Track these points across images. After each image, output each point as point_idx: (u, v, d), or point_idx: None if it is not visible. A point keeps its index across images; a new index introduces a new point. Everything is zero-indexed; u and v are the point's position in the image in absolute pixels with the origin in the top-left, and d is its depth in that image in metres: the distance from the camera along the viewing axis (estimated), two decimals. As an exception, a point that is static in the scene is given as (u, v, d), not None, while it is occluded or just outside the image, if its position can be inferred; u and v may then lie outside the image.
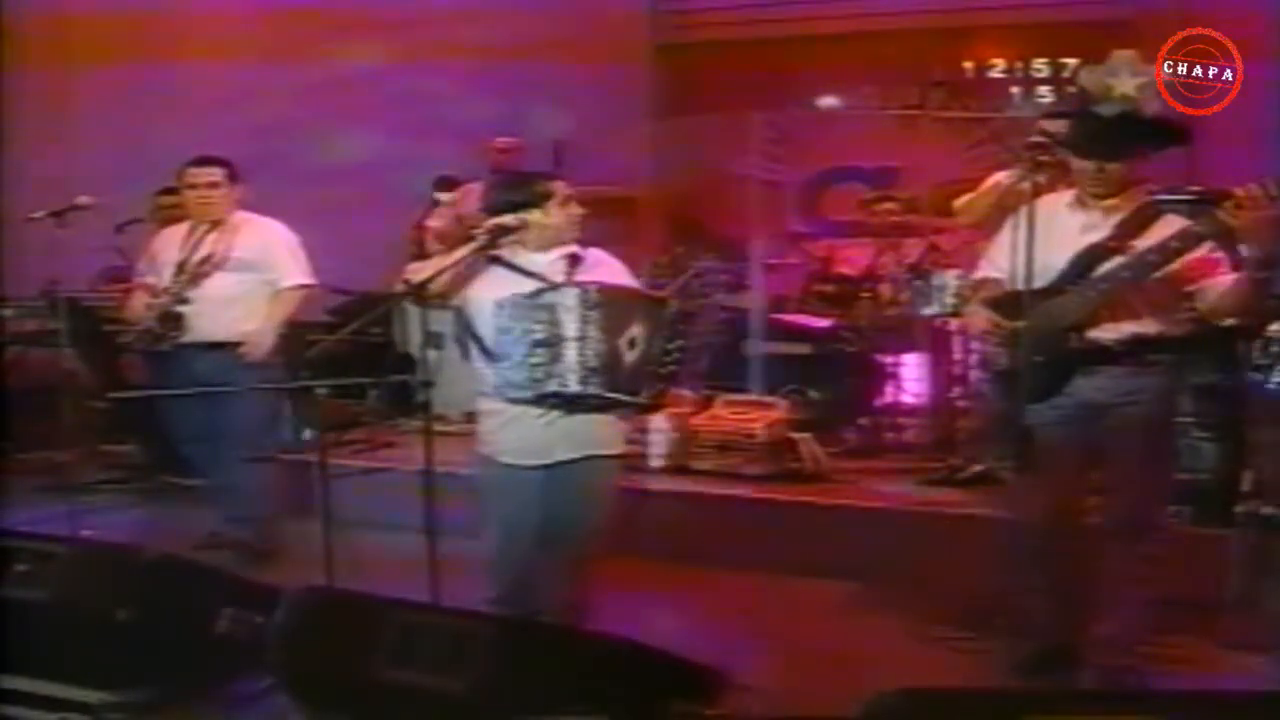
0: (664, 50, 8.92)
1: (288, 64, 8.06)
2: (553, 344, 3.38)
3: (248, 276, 5.00)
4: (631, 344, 3.42)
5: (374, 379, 6.29)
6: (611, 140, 7.92)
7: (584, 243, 3.68)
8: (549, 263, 3.58)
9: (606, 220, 3.84)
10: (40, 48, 7.51)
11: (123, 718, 3.29)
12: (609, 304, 3.41)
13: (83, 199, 4.95)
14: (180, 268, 4.98)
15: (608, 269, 3.65)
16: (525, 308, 3.41)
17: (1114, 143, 3.56)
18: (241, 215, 5.08)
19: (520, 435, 3.53)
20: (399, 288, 3.64)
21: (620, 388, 3.43)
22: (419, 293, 3.53)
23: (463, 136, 7.63)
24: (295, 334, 5.13)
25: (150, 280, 5.09)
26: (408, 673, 2.97)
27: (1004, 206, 4.04)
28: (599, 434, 3.55)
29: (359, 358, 6.16)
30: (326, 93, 8.13)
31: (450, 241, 6.28)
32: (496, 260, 3.60)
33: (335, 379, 4.42)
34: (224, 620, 3.43)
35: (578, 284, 3.46)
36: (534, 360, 3.39)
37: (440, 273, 3.52)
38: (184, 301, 4.94)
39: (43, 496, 5.20)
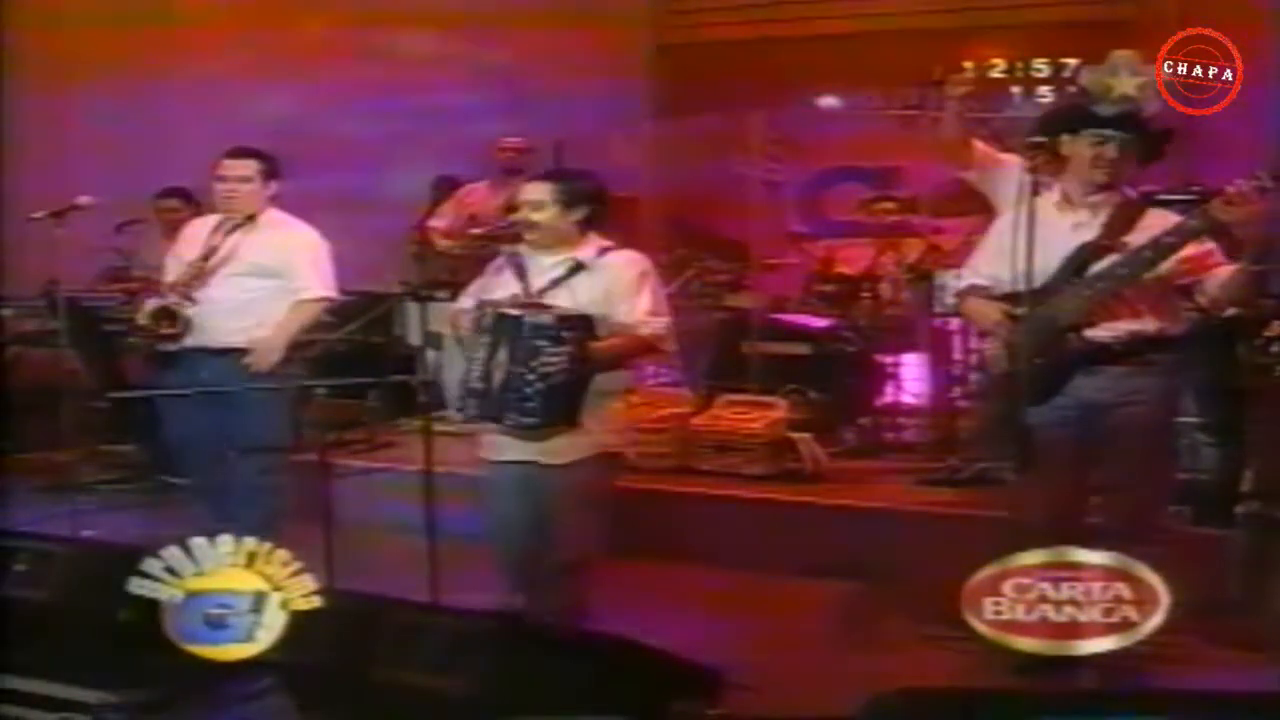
0: (664, 50, 8.92)
1: (288, 64, 8.06)
2: (468, 358, 3.56)
3: (266, 282, 4.65)
4: (499, 367, 3.47)
5: (374, 379, 6.29)
6: (612, 140, 7.91)
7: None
8: (550, 266, 3.58)
9: (607, 220, 3.83)
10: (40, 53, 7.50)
11: (123, 718, 3.29)
12: (494, 325, 3.48)
13: (83, 199, 4.90)
14: (193, 265, 4.64)
15: (607, 274, 3.61)
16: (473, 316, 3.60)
17: (1111, 125, 3.54)
18: (272, 215, 4.74)
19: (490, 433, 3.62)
20: (397, 287, 3.69)
21: (486, 413, 3.51)
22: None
23: (462, 136, 7.63)
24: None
25: (164, 278, 4.75)
26: (408, 673, 2.98)
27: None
28: (543, 443, 3.53)
29: (359, 358, 6.18)
30: (328, 91, 8.13)
31: (458, 239, 6.31)
32: (510, 262, 3.65)
33: (335, 379, 4.42)
34: (223, 620, 3.43)
35: (490, 303, 3.56)
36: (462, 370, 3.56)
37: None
38: (191, 301, 4.57)
39: (43, 496, 5.20)
